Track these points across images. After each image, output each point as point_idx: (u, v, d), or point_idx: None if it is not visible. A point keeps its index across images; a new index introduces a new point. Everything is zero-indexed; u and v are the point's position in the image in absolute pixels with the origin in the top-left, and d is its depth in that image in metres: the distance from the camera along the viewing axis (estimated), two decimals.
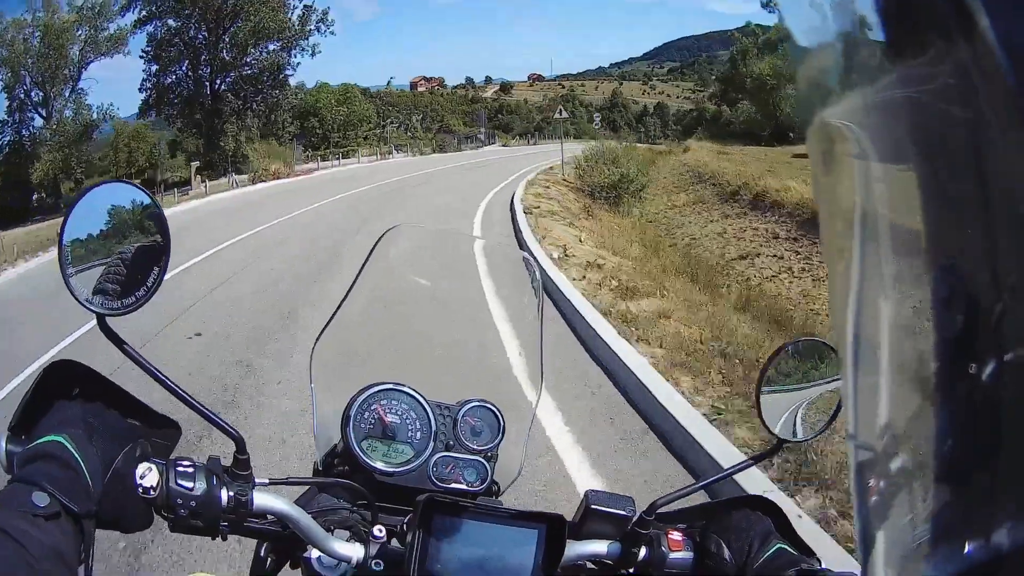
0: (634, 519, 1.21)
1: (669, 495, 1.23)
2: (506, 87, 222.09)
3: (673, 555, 1.19)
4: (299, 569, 1.20)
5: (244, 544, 0.95)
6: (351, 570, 1.12)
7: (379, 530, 1.13)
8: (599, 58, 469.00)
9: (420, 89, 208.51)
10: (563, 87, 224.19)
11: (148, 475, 0.99)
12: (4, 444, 0.95)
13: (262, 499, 1.06)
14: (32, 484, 0.86)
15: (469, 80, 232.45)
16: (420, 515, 1.06)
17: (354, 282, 1.37)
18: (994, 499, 0.39)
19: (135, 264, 0.97)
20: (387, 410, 1.33)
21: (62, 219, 0.96)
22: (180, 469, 1.02)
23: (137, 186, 0.99)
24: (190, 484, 1.00)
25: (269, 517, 1.10)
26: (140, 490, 0.98)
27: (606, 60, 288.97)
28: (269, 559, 1.22)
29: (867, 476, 0.50)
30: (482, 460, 1.34)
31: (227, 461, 1.09)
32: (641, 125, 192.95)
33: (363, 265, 1.37)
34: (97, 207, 0.98)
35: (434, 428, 1.33)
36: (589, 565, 1.23)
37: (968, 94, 0.36)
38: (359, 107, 62.82)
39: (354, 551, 1.11)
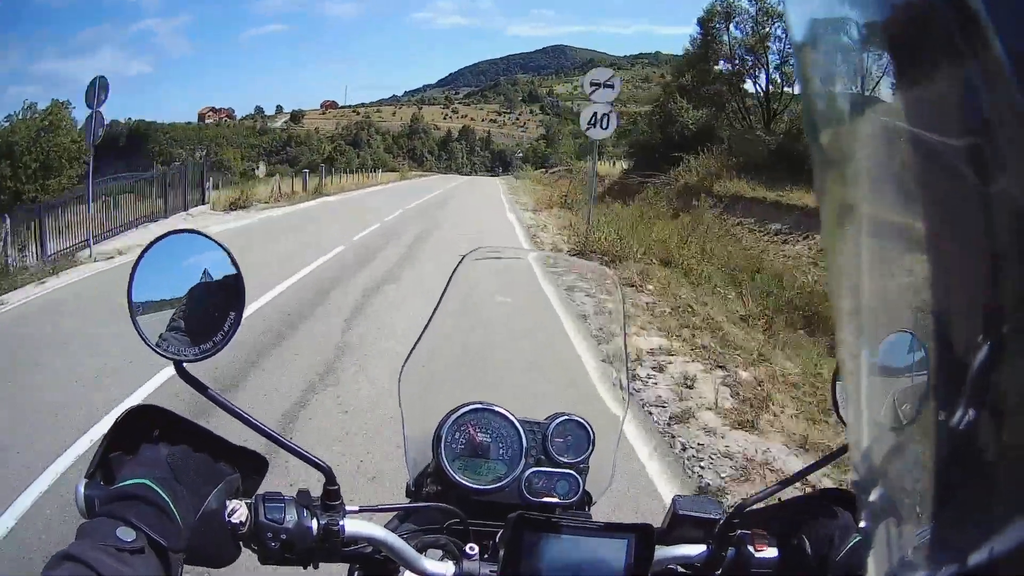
0: (721, 521, 1.21)
1: (755, 496, 1.23)
2: (296, 116, 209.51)
3: (758, 554, 1.19)
4: None
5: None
6: None
7: (471, 548, 1.14)
8: (393, 87, 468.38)
9: (208, 121, 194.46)
10: (358, 114, 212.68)
11: (238, 511, 1.01)
12: (82, 490, 0.96)
13: (353, 526, 1.09)
14: (118, 519, 0.87)
15: (259, 110, 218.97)
16: (511, 532, 1.08)
17: (436, 307, 1.41)
18: (993, 501, 0.40)
19: (208, 310, 0.99)
20: (478, 429, 1.37)
21: (130, 272, 0.97)
22: (270, 503, 1.04)
23: (203, 234, 1.01)
24: (280, 517, 1.03)
25: (361, 542, 1.12)
26: (230, 526, 1.01)
27: (400, 88, 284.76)
28: None
29: (867, 477, 0.50)
30: (573, 473, 1.37)
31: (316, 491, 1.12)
32: (444, 152, 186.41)
33: (444, 291, 1.42)
34: (163, 257, 0.99)
35: (525, 444, 1.36)
36: (679, 569, 1.24)
37: (975, 109, 0.37)
38: (64, 138, 44.14)
39: (446, 569, 1.12)
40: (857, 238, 0.46)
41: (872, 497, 0.49)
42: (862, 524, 0.47)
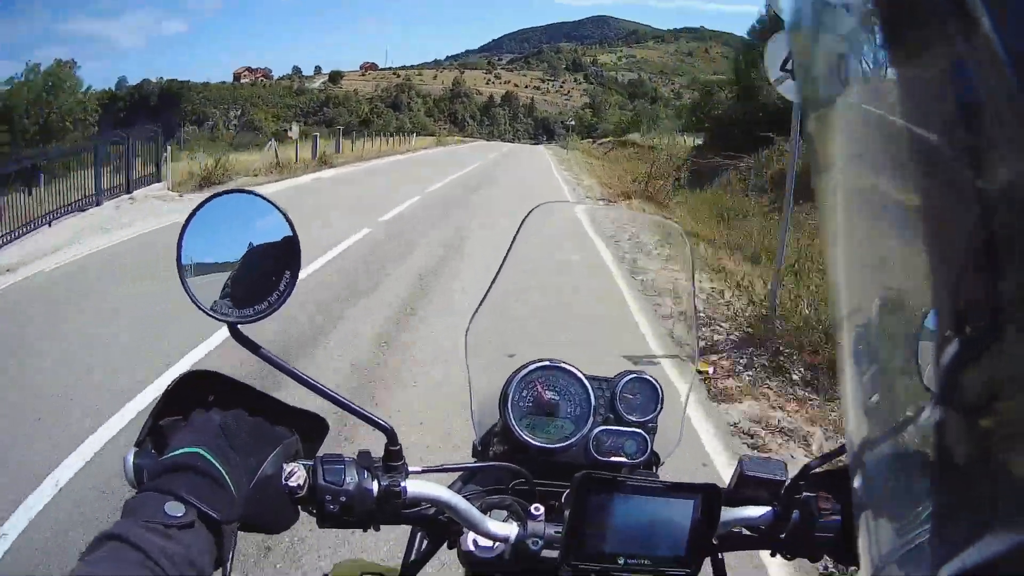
0: (787, 483, 1.20)
1: (820, 458, 1.22)
2: (335, 77, 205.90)
3: (823, 518, 1.17)
4: (455, 552, 1.18)
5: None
6: (508, 549, 1.10)
7: (536, 508, 1.12)
8: (435, 51, 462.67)
9: (244, 80, 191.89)
10: (398, 76, 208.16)
11: (296, 474, 1.00)
12: (131, 459, 0.95)
13: (415, 487, 1.06)
14: (167, 494, 0.84)
15: (296, 70, 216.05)
16: (576, 492, 1.06)
17: (502, 264, 1.40)
18: (993, 501, 0.40)
19: (263, 270, 0.99)
20: (546, 387, 1.34)
21: (179, 233, 0.96)
22: (328, 465, 1.02)
23: (256, 193, 1.00)
24: (339, 479, 1.02)
25: (423, 504, 1.11)
26: (287, 490, 1.00)
27: (442, 53, 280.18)
28: (423, 544, 1.25)
29: (865, 475, 0.51)
30: (642, 432, 1.34)
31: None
32: (487, 117, 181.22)
33: (509, 247, 1.40)
34: (214, 217, 0.98)
35: (593, 402, 1.33)
36: (745, 532, 1.22)
37: (969, 93, 0.37)
38: (69, 99, 40.59)
39: (510, 530, 1.10)
40: (856, 233, 0.47)
41: (870, 496, 0.51)
42: (861, 526, 0.49)
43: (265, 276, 0.97)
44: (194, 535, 0.82)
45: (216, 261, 0.98)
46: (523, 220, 1.41)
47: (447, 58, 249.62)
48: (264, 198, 0.98)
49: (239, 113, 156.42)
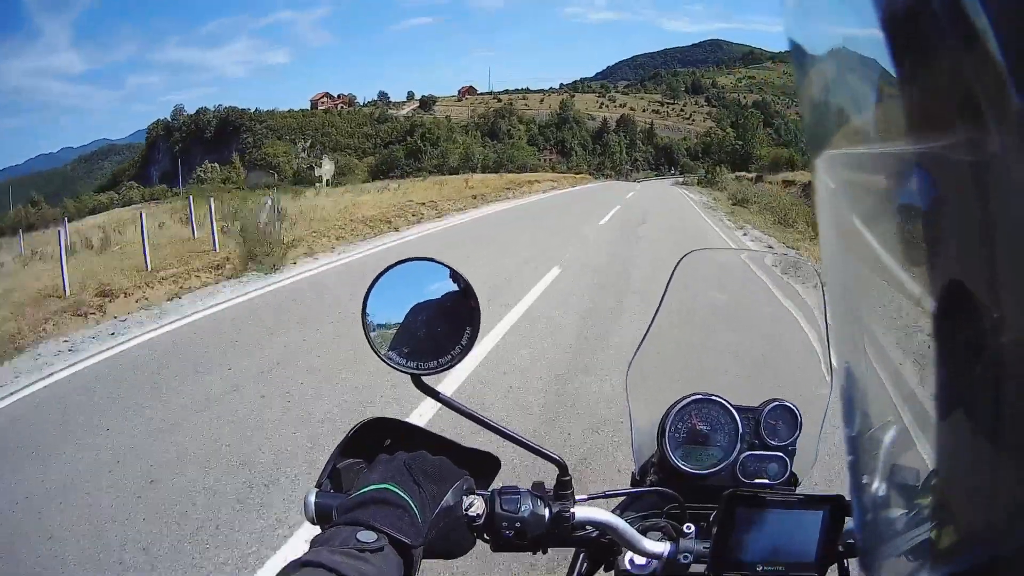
0: None
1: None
2: (427, 102, 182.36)
3: None
4: (611, 572, 1.31)
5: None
6: (661, 565, 1.20)
7: (688, 527, 1.22)
8: (549, 80, 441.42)
9: (321, 108, 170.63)
10: (499, 100, 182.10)
11: (475, 504, 1.08)
12: (313, 499, 1.04)
13: (583, 512, 1.15)
14: (357, 525, 0.92)
15: (383, 95, 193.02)
16: (724, 508, 1.14)
17: (658, 308, 1.49)
18: (992, 501, 0.40)
19: (444, 327, 1.06)
20: (698, 419, 1.43)
21: (364, 294, 1.05)
22: (506, 495, 1.11)
23: (432, 259, 1.08)
24: (515, 507, 1.10)
25: (588, 528, 1.19)
26: (466, 519, 1.08)
27: (556, 82, 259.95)
28: (585, 565, 1.35)
29: (866, 477, 0.50)
30: (783, 455, 1.42)
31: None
32: (599, 144, 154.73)
33: (665, 290, 1.49)
34: (395, 281, 1.06)
35: (740, 430, 1.42)
36: None
37: (974, 117, 0.36)
38: None
39: (664, 548, 1.19)
40: (855, 248, 0.47)
41: (872, 498, 0.50)
42: (862, 526, 0.52)
43: (446, 331, 1.05)
44: (384, 558, 0.89)
45: (397, 320, 1.06)
46: (675, 267, 1.54)
47: (560, 86, 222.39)
48: (440, 262, 1.06)
49: (308, 144, 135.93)
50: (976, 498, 0.42)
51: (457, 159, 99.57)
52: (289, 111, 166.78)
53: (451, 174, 66.95)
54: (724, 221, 23.98)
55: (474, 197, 31.68)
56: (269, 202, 17.95)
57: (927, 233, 0.44)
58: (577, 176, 74.29)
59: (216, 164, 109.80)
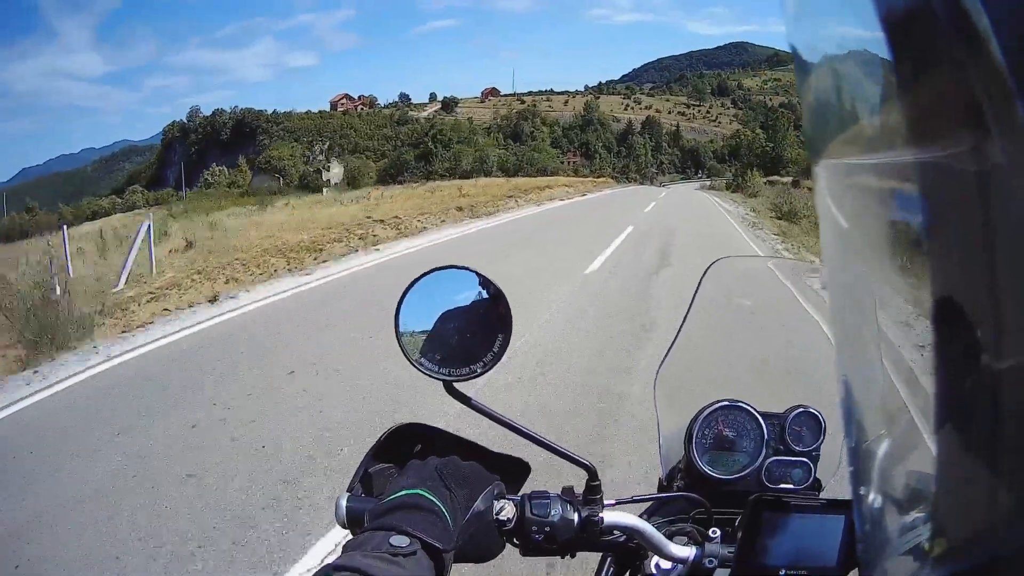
0: None
1: None
2: (448, 104, 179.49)
3: None
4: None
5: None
6: (686, 569, 1.22)
7: (713, 532, 1.25)
8: (573, 83, 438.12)
9: (340, 109, 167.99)
10: (523, 102, 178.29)
11: (505, 509, 1.11)
12: (344, 503, 1.05)
13: (611, 516, 1.18)
14: (390, 530, 0.93)
15: (404, 97, 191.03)
16: (749, 512, 1.16)
17: (686, 315, 1.54)
18: (992, 501, 0.40)
19: (476, 333, 1.09)
20: (725, 425, 1.47)
21: (396, 304, 1.07)
22: (535, 500, 1.14)
23: (465, 267, 1.10)
24: (545, 512, 1.13)
25: (616, 532, 1.21)
26: (496, 523, 1.10)
27: (580, 84, 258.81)
28: (611, 569, 1.38)
29: (866, 477, 0.51)
30: (807, 460, 1.45)
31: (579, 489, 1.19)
32: (623, 146, 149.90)
33: (692, 299, 1.55)
34: (428, 289, 1.09)
35: (766, 436, 1.45)
36: None
37: (977, 124, 0.36)
38: None
39: (690, 552, 1.21)
40: (856, 257, 0.48)
41: (872, 497, 0.50)
42: (863, 526, 0.54)
43: (479, 337, 1.07)
44: (416, 562, 0.90)
45: (428, 328, 1.08)
46: (702, 276, 1.55)
47: (585, 88, 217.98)
48: (473, 271, 1.08)
49: (326, 146, 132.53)
50: (975, 501, 0.42)
51: (471, 162, 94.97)
52: (307, 112, 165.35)
53: (463, 178, 62.46)
54: (779, 249, 18.04)
55: (460, 209, 25.83)
56: (144, 229, 13.56)
57: (928, 242, 0.44)
58: (597, 181, 68.65)
59: (225, 167, 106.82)
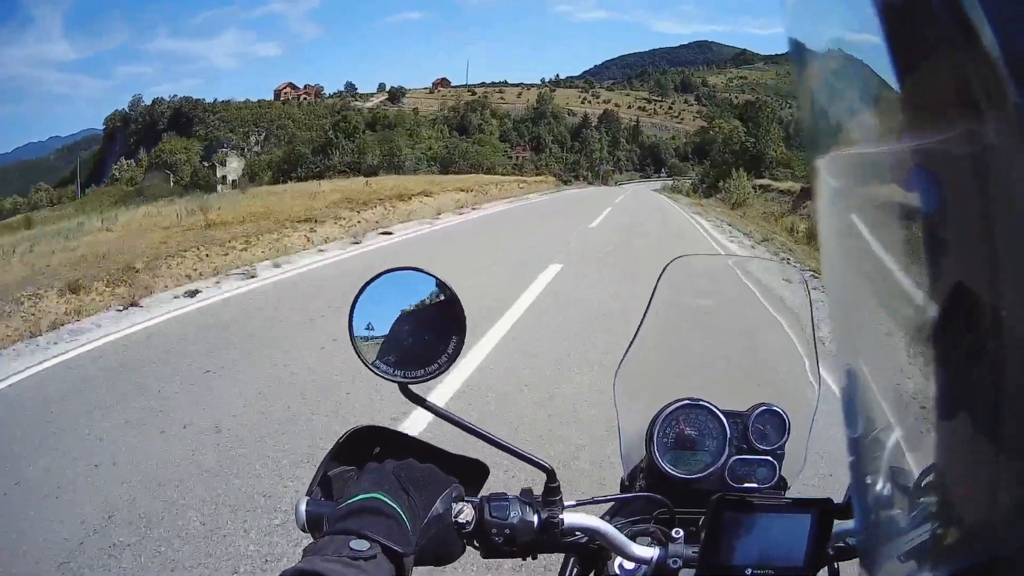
0: None
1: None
2: (395, 94, 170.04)
3: None
4: None
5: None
6: (650, 570, 1.22)
7: (677, 532, 1.24)
8: (529, 77, 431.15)
9: (282, 99, 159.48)
10: (474, 94, 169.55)
11: (464, 512, 1.10)
12: (304, 507, 1.05)
13: (572, 518, 1.18)
14: (350, 534, 0.93)
15: (350, 86, 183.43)
16: (712, 512, 1.16)
17: (645, 313, 1.53)
18: (992, 501, 0.40)
19: (430, 336, 1.09)
20: (687, 424, 1.47)
21: (351, 305, 1.08)
22: (494, 503, 1.14)
23: (419, 268, 1.10)
24: (504, 514, 1.13)
25: (577, 534, 1.22)
26: (455, 526, 1.10)
27: (536, 77, 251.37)
28: (575, 570, 1.40)
29: (867, 478, 0.51)
30: (771, 459, 1.45)
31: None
32: (577, 141, 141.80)
33: (651, 297, 1.53)
34: (381, 292, 1.09)
35: (728, 435, 1.45)
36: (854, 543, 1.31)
37: (972, 111, 0.37)
38: None
39: (653, 553, 1.21)
40: (856, 249, 0.48)
41: (872, 498, 0.51)
42: (863, 526, 0.54)
43: (433, 340, 1.08)
44: (377, 566, 0.90)
45: (383, 331, 1.08)
46: (660, 275, 1.54)
47: (542, 81, 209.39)
48: (426, 272, 1.09)
49: (262, 137, 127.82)
50: (976, 498, 0.42)
51: (379, 156, 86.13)
52: (246, 101, 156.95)
53: (369, 175, 53.54)
54: None
55: (246, 243, 15.37)
56: None
57: (927, 232, 0.44)
58: (529, 181, 58.38)
59: (134, 162, 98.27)
